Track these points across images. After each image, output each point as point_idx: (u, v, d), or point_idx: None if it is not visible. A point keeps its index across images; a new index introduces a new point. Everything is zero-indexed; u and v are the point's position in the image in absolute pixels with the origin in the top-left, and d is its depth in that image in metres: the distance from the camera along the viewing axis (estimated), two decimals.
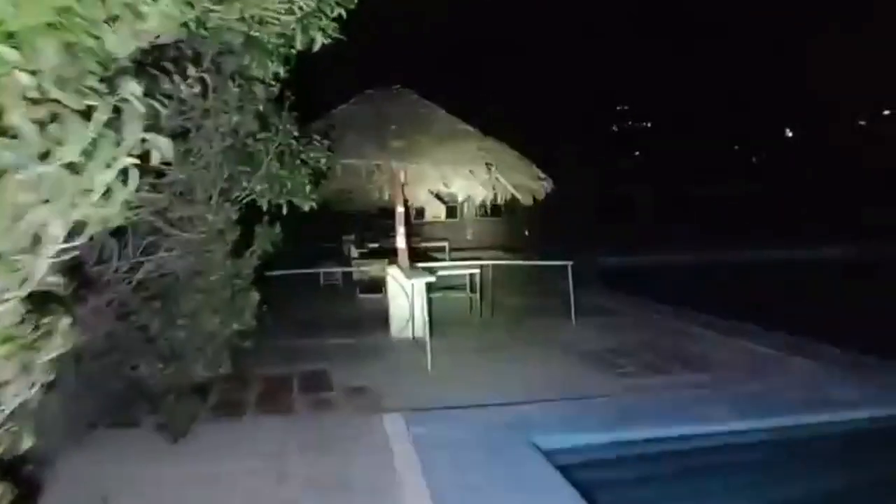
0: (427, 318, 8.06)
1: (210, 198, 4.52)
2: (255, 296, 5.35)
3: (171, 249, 4.64)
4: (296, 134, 5.12)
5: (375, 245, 14.78)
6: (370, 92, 10.19)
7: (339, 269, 13.43)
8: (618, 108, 42.35)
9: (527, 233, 27.00)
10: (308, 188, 5.36)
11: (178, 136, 4.09)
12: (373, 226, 16.00)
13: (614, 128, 43.22)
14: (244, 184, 4.89)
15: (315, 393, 6.96)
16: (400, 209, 10.28)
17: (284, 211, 5.26)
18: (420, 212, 16.24)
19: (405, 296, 9.64)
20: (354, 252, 14.91)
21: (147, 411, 5.11)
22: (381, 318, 10.04)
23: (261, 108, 4.66)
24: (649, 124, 42.77)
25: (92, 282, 4.64)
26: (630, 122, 43.94)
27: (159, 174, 4.17)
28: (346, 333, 9.83)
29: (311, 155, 5.36)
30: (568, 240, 19.16)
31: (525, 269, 13.40)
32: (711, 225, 26.66)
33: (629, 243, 22.56)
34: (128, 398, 5.17)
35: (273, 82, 4.61)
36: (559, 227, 23.42)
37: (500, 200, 10.73)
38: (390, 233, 11.29)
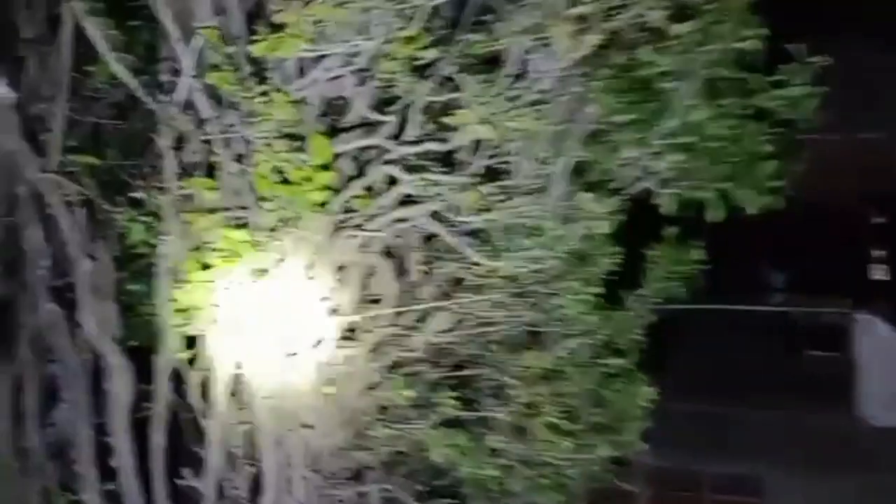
0: None
1: (544, 183, 1.90)
2: (647, 390, 2.61)
3: (470, 291, 2.18)
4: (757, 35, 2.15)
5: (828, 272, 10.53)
6: None
7: (766, 308, 9.80)
8: None
9: None
10: (769, 166, 2.39)
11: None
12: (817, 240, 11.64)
13: None
14: (629, 154, 2.10)
15: None
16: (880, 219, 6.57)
17: (717, 214, 2.40)
18: None
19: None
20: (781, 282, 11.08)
21: None
22: (841, 386, 6.77)
23: None
24: None
25: None
26: None
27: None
28: (783, 406, 6.62)
29: (781, 92, 2.34)
30: None
31: None
32: None
33: None
34: None
35: None
36: None
37: None
38: (854, 255, 7.48)
